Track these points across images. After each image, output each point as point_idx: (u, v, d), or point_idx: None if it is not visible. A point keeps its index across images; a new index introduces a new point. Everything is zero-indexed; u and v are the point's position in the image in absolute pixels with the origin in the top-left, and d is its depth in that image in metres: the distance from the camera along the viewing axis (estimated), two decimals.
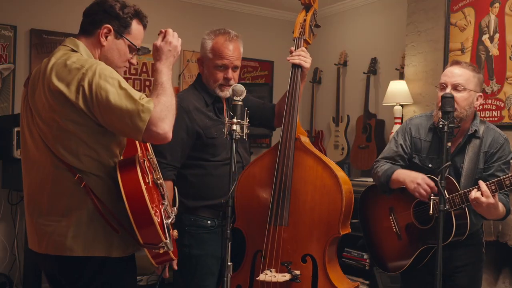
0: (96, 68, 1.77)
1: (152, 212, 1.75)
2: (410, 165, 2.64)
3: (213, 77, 2.54)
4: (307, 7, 2.56)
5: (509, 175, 2.25)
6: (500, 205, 2.33)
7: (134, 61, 2.02)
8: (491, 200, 2.22)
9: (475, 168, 2.46)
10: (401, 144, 2.61)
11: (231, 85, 2.51)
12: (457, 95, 2.38)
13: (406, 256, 2.58)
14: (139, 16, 1.97)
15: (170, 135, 1.80)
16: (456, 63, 2.50)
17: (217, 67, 2.53)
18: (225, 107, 2.64)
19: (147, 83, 5.39)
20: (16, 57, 4.76)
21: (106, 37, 1.91)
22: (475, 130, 2.47)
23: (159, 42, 1.93)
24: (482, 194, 2.23)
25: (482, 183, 2.25)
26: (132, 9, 1.95)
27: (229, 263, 1.99)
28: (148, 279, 4.84)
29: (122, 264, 1.89)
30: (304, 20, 2.52)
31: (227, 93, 2.54)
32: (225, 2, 5.77)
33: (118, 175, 1.79)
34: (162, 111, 1.77)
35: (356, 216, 4.16)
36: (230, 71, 2.55)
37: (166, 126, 1.77)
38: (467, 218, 2.38)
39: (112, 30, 1.91)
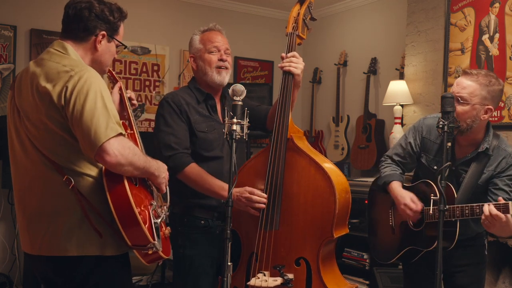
0: (84, 74, 1.79)
1: (138, 214, 1.76)
2: (417, 164, 2.65)
3: (208, 61, 2.57)
4: (301, 1, 2.50)
5: None
6: None
7: (116, 55, 2.09)
8: (504, 219, 2.16)
9: (475, 183, 2.43)
10: (410, 142, 2.61)
11: (226, 67, 2.58)
12: (458, 107, 2.34)
13: (394, 251, 2.62)
14: (123, 15, 2.02)
15: (118, 167, 1.75)
16: (466, 73, 2.41)
17: (210, 52, 2.58)
18: (218, 106, 2.65)
19: (147, 83, 5.39)
20: (16, 57, 4.76)
21: (100, 42, 1.95)
22: (486, 148, 2.41)
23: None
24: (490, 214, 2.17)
25: (491, 207, 2.19)
26: (118, 11, 1.99)
27: (229, 263, 1.98)
28: (148, 279, 4.84)
29: (116, 262, 1.90)
30: (298, 14, 2.46)
31: (225, 76, 2.58)
32: (225, 2, 5.77)
33: (104, 179, 1.79)
34: (128, 146, 1.77)
35: (357, 216, 4.21)
36: (223, 53, 2.59)
37: (122, 157, 1.73)
38: (456, 227, 2.36)
39: (106, 35, 1.95)
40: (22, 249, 1.97)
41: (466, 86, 2.37)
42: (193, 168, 2.43)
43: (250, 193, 2.30)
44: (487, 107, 2.37)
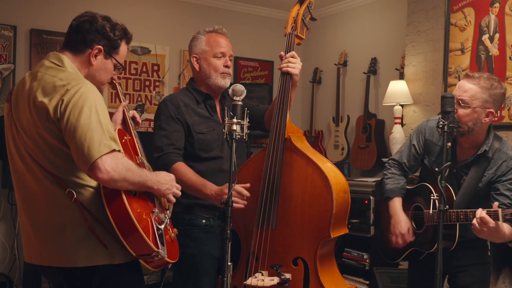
0: (80, 88, 1.78)
1: (138, 225, 1.76)
2: (421, 166, 2.67)
3: (214, 66, 2.59)
4: (301, 0, 2.50)
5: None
6: (507, 227, 2.23)
7: (115, 76, 2.08)
8: (491, 224, 2.13)
9: (475, 186, 2.43)
10: (414, 145, 2.63)
11: (229, 74, 2.62)
12: (459, 110, 2.35)
13: (399, 251, 2.64)
14: (127, 36, 2.01)
15: (111, 183, 1.75)
16: (468, 77, 2.41)
17: (216, 56, 2.60)
18: (218, 106, 2.66)
19: (147, 83, 5.39)
20: (16, 57, 4.76)
21: (95, 57, 1.93)
22: (485, 150, 2.41)
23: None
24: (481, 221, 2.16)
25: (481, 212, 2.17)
26: (121, 30, 1.98)
27: (229, 263, 1.98)
28: (148, 279, 4.84)
29: (126, 269, 1.90)
30: (297, 14, 2.46)
31: (227, 81, 2.61)
32: (225, 2, 5.77)
33: (102, 192, 1.80)
34: (122, 162, 1.76)
35: (357, 216, 4.22)
36: (228, 59, 2.63)
37: (115, 173, 1.73)
38: (455, 229, 2.37)
39: (103, 51, 1.93)
40: (29, 261, 1.94)
41: (467, 89, 2.36)
42: (179, 167, 2.43)
43: (234, 189, 2.26)
44: (488, 110, 2.37)
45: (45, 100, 1.77)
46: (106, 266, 1.85)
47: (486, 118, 2.38)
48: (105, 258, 1.84)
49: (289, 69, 2.38)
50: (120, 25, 1.98)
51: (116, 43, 1.96)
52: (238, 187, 2.28)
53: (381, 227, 2.86)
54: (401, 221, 2.54)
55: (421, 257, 2.53)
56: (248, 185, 2.30)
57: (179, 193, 2.03)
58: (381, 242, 2.84)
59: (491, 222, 2.12)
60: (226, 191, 2.27)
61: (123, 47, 2.01)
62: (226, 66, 2.61)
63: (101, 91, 2.00)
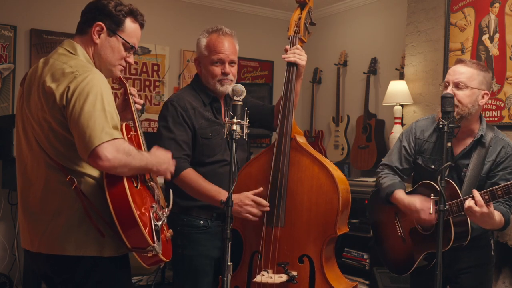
0: (88, 76, 1.79)
1: (137, 217, 1.76)
2: (414, 167, 2.63)
3: (211, 73, 2.51)
4: (302, 5, 2.54)
5: (501, 185, 2.22)
6: (497, 215, 2.30)
7: (131, 60, 2.01)
8: (485, 209, 2.19)
9: (478, 176, 2.43)
10: (404, 146, 2.60)
11: (230, 80, 2.53)
12: (458, 92, 2.37)
13: (411, 259, 2.55)
14: (133, 14, 1.97)
15: (111, 170, 1.76)
16: (460, 61, 2.47)
17: (213, 63, 2.51)
18: (223, 108, 2.64)
19: (147, 83, 5.39)
20: (16, 57, 4.76)
21: (98, 35, 1.92)
22: (481, 136, 2.43)
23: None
24: (475, 204, 2.20)
25: (475, 192, 2.22)
26: (127, 8, 1.96)
27: (229, 263, 1.98)
28: (148, 279, 4.84)
29: (115, 263, 1.90)
30: (299, 18, 2.50)
31: (227, 87, 2.49)
32: (225, 2, 5.78)
33: (104, 180, 1.80)
34: (122, 148, 1.76)
35: (357, 216, 4.21)
36: (227, 65, 2.52)
37: (115, 161, 1.73)
38: (467, 225, 2.34)
39: (105, 28, 1.92)
40: (22, 246, 1.98)
41: (463, 71, 2.42)
42: (189, 174, 2.42)
43: (254, 200, 2.31)
44: (483, 92, 2.43)
45: (53, 86, 1.79)
46: (94, 258, 1.85)
47: (482, 100, 2.43)
48: (95, 249, 1.84)
49: (296, 59, 2.41)
50: (127, 5, 1.96)
51: (118, 19, 1.93)
52: (258, 198, 2.31)
53: (380, 242, 2.74)
54: (415, 199, 2.42)
55: (431, 265, 2.45)
56: (261, 189, 2.32)
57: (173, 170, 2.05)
58: (385, 258, 2.73)
59: (483, 206, 2.19)
60: (246, 201, 2.31)
61: (130, 25, 1.96)
62: (224, 74, 2.50)
63: (111, 75, 1.98)
